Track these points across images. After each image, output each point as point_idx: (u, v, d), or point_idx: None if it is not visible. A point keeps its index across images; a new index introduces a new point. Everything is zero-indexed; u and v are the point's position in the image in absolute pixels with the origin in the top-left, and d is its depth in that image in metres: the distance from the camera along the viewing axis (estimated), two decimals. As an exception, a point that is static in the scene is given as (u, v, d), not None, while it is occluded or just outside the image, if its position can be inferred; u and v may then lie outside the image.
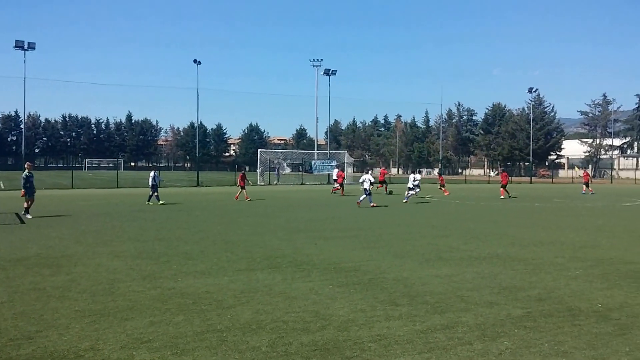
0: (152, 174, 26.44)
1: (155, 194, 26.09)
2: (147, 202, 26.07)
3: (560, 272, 9.70)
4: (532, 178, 72.72)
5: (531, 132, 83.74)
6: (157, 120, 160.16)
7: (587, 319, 6.74)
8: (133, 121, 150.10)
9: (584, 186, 40.02)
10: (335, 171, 38.59)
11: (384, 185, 38.01)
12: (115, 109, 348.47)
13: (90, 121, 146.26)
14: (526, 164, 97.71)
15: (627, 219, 20.30)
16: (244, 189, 29.85)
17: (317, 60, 65.74)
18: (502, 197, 32.21)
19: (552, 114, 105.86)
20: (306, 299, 7.71)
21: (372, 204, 24.49)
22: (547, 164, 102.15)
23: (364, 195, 25.12)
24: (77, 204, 25.95)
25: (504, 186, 33.35)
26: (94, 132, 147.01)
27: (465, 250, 12.24)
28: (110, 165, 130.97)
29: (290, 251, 11.95)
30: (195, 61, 54.71)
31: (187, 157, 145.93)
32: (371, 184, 25.54)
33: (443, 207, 25.70)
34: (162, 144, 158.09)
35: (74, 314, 6.93)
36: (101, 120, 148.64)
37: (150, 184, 26.23)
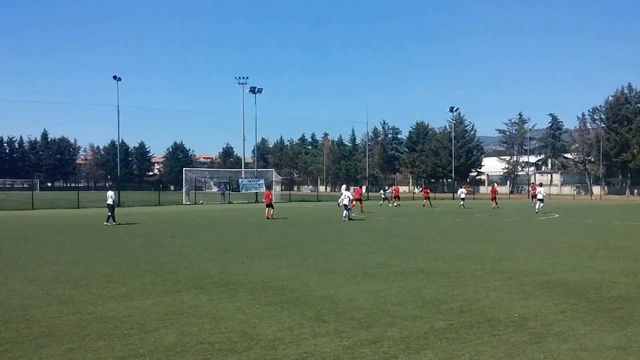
0: (109, 193, 26.33)
1: (111, 214, 25.63)
2: (105, 223, 25.34)
3: (481, 284, 10.04)
4: (454, 194, 75.03)
5: (453, 149, 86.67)
6: (75, 139, 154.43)
7: (505, 329, 6.99)
8: (49, 139, 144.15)
9: (492, 201, 42.82)
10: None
11: (360, 203, 37.31)
12: (29, 127, 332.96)
13: (2, 140, 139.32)
14: (449, 180, 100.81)
15: (542, 232, 21.30)
16: (272, 207, 30.38)
17: (243, 77, 65.44)
18: (424, 206, 37.45)
19: (473, 132, 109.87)
20: (233, 319, 7.61)
21: (345, 219, 26.87)
22: (468, 180, 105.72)
23: (345, 211, 27.25)
24: (-10, 227, 24.55)
25: (427, 199, 44.12)
26: (7, 151, 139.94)
27: (391, 265, 12.45)
28: (25, 185, 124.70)
29: (216, 271, 11.77)
30: (115, 77, 53.40)
31: (108, 176, 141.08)
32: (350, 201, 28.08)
33: (369, 223, 26.08)
34: (81, 163, 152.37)
35: (-16, 343, 6.52)
36: (14, 139, 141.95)
37: (108, 203, 25.93)
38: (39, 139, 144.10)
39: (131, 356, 6.02)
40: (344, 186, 30.82)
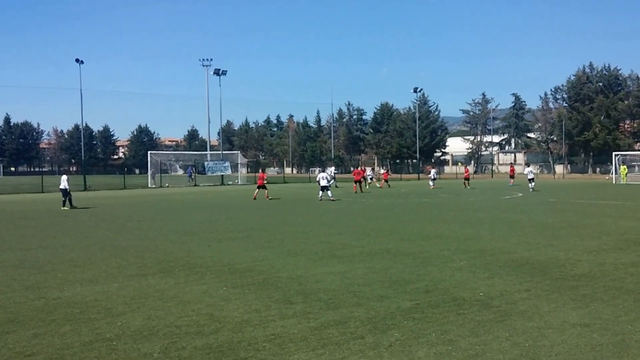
0: (64, 177, 25.97)
1: (67, 198, 25.41)
2: (62, 208, 25.02)
3: (446, 264, 10.22)
4: (420, 175, 75.82)
5: (417, 130, 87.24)
6: (38, 123, 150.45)
7: (471, 308, 7.15)
8: (12, 124, 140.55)
9: (465, 181, 42.83)
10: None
11: (359, 185, 37.26)
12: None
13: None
14: (414, 161, 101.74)
15: (506, 211, 21.73)
16: (265, 188, 30.13)
17: (207, 59, 64.62)
18: (380, 187, 37.64)
19: (437, 112, 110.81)
20: (200, 302, 7.62)
21: (321, 198, 28.07)
22: (433, 160, 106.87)
23: (328, 192, 28.17)
24: (-52, 213, 23.93)
25: (385, 180, 43.38)
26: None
27: (357, 246, 12.58)
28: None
29: (183, 254, 11.73)
30: (77, 60, 52.07)
31: (73, 160, 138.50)
32: (328, 181, 28.78)
33: (335, 205, 26.21)
34: (44, 148, 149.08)
35: (-54, 331, 6.42)
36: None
37: (61, 188, 25.57)
38: (1, 123, 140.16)
39: (98, 340, 5.99)
40: (329, 169, 31.14)
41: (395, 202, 27.58)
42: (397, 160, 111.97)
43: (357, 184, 36.98)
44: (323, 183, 28.19)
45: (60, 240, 14.43)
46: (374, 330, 6.26)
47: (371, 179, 48.59)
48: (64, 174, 27.50)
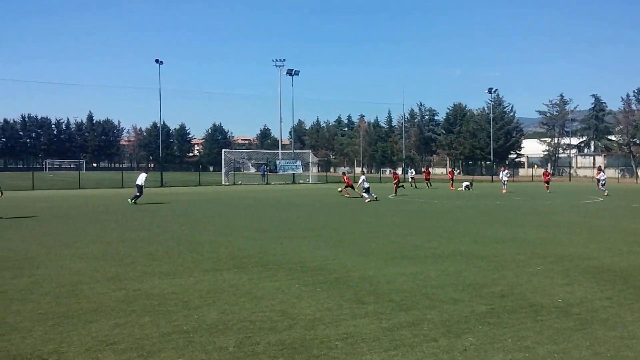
0: (143, 175, 27.18)
1: (139, 195, 26.38)
2: (132, 202, 26.18)
3: (522, 268, 9.91)
4: (493, 177, 73.96)
5: (491, 131, 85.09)
6: (119, 121, 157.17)
7: (549, 315, 6.90)
8: (94, 121, 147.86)
9: (546, 185, 40.42)
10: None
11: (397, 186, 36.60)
12: (76, 109, 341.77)
13: (51, 121, 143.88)
14: (487, 162, 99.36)
15: (586, 216, 20.84)
16: (352, 187, 32.22)
17: (280, 60, 65.43)
18: (392, 195, 34.17)
19: (512, 113, 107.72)
20: (273, 298, 7.72)
21: (374, 197, 28.90)
22: (507, 162, 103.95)
23: (365, 194, 28.91)
24: (38, 206, 25.37)
25: (396, 184, 36.46)
26: (55, 132, 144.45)
27: (429, 248, 12.40)
28: (72, 166, 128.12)
29: (256, 251, 11.92)
30: (157, 61, 53.93)
31: (150, 157, 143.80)
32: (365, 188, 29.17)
33: (405, 205, 25.97)
34: (124, 145, 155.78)
35: (37, 316, 6.80)
36: (62, 121, 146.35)
37: (138, 184, 26.62)
38: (85, 120, 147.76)
39: (175, 332, 6.18)
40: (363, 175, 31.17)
41: (468, 204, 27.01)
42: (470, 162, 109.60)
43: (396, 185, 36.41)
44: (366, 185, 29.21)
45: (138, 234, 14.99)
46: (448, 333, 6.15)
47: (412, 178, 48.05)
48: (144, 172, 28.61)
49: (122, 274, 9.38)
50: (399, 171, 66.51)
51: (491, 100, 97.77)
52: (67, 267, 10.05)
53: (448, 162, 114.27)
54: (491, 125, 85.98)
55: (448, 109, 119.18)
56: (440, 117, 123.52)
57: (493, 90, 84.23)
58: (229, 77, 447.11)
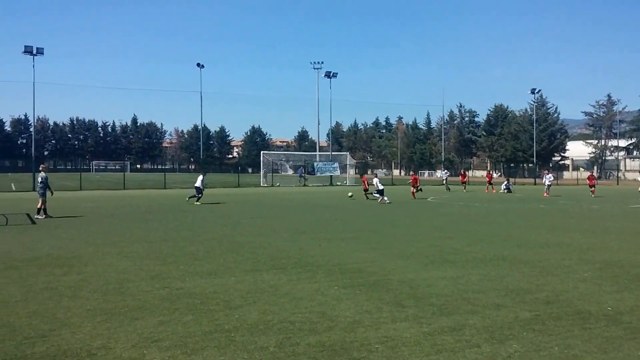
0: (200, 177, 28.31)
1: (199, 195, 27.46)
2: (189, 200, 27.84)
3: (568, 274, 9.66)
4: (536, 179, 72.57)
5: (534, 133, 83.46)
6: (161, 123, 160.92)
7: (597, 323, 6.70)
8: (138, 124, 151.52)
9: (592, 189, 38.79)
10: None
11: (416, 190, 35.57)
12: (121, 113, 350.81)
13: (97, 124, 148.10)
14: (530, 165, 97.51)
15: (635, 221, 20.18)
16: (420, 190, 34.32)
17: (318, 62, 65.64)
18: (413, 198, 33.66)
19: (556, 114, 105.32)
20: (312, 299, 7.73)
21: (386, 201, 28.72)
22: (551, 165, 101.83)
23: (379, 195, 29.17)
24: (86, 206, 26.06)
25: (414, 187, 34.77)
26: (101, 135, 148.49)
27: (470, 252, 12.22)
28: (117, 167, 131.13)
29: (295, 252, 11.97)
30: (198, 65, 54.74)
31: (192, 159, 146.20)
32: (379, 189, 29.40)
33: (445, 208, 25.69)
34: (167, 147, 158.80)
35: (85, 312, 7.00)
36: (108, 124, 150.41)
37: (197, 185, 27.73)
38: (129, 123, 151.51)
39: (217, 331, 6.25)
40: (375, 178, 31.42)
41: (509, 207, 26.54)
42: (512, 164, 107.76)
43: (415, 189, 35.13)
44: (380, 187, 29.46)
45: (181, 234, 15.24)
46: (491, 339, 6.04)
47: (445, 180, 47.40)
48: (201, 174, 29.33)
49: (165, 273, 9.55)
50: (439, 173, 65.71)
51: (534, 101, 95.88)
52: (113, 265, 10.30)
53: (489, 164, 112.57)
54: (534, 127, 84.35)
55: (489, 110, 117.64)
56: (481, 118, 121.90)
57: (536, 90, 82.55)
58: (268, 80, 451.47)
